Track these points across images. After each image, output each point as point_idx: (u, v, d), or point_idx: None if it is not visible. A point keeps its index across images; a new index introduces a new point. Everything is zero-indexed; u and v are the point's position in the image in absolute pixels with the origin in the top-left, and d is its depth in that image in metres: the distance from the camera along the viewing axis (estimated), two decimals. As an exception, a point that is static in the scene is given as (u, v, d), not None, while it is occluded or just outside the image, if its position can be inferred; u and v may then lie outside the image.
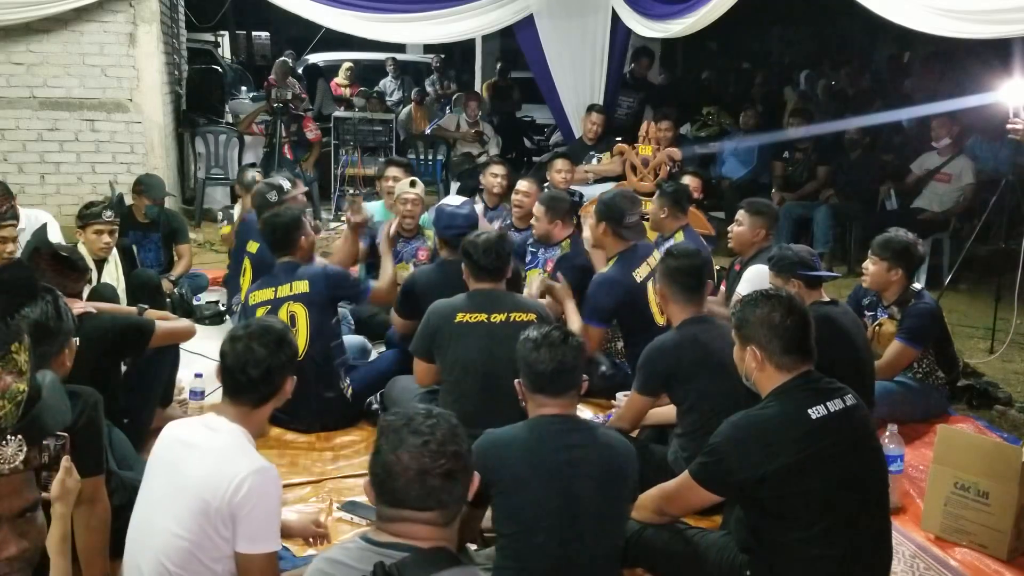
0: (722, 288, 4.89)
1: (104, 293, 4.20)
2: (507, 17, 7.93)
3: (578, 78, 8.07)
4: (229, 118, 9.67)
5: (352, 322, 4.92)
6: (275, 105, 8.38)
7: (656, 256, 4.22)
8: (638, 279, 4.13)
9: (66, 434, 1.73)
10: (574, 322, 3.96)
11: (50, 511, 2.04)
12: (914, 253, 4.10)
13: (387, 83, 12.70)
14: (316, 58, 13.24)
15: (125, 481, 2.70)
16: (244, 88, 13.16)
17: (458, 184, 8.50)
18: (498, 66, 12.05)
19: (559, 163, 6.23)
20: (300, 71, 12.00)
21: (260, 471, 2.18)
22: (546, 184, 6.05)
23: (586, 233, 4.64)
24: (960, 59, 9.25)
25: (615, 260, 4.20)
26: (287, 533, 2.67)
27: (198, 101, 9.18)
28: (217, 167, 8.47)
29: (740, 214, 4.68)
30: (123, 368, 3.46)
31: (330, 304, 4.02)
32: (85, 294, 3.67)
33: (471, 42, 12.55)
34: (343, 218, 5.82)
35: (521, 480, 2.35)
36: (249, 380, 2.33)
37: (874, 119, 8.45)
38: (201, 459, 2.22)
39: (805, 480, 2.34)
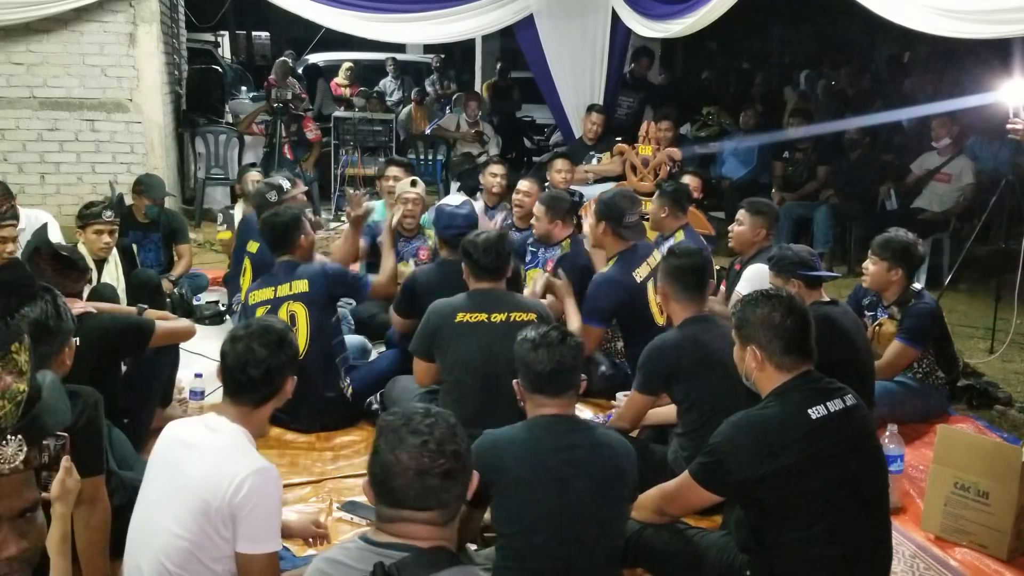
0: (722, 288, 4.89)
1: (104, 293, 4.20)
2: (507, 17, 7.93)
3: (578, 78, 8.07)
4: (229, 118, 9.67)
5: (352, 322, 4.92)
6: (275, 105, 8.38)
7: (656, 256, 4.22)
8: (638, 279, 4.13)
9: (66, 434, 1.73)
10: (573, 320, 3.96)
11: (50, 511, 2.03)
12: (914, 253, 4.10)
13: (387, 83, 12.70)
14: (316, 58, 13.24)
15: (125, 481, 2.70)
16: (244, 88, 13.17)
17: (458, 184, 8.50)
18: (498, 66, 12.05)
19: (559, 163, 6.24)
20: (300, 71, 11.99)
21: (260, 471, 2.18)
22: (546, 184, 6.05)
23: (586, 229, 4.64)
24: (960, 59, 9.25)
25: (615, 260, 4.20)
26: (287, 533, 2.66)
27: (198, 101, 9.18)
28: (217, 167, 8.47)
29: (741, 214, 4.69)
30: (123, 368, 3.46)
31: (330, 303, 4.03)
32: (85, 294, 3.67)
33: (471, 42, 12.55)
34: (343, 218, 5.82)
35: (520, 480, 2.34)
36: (250, 380, 2.33)
37: (874, 119, 8.45)
38: (201, 459, 2.22)
39: (805, 480, 2.34)
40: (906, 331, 4.05)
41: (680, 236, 4.80)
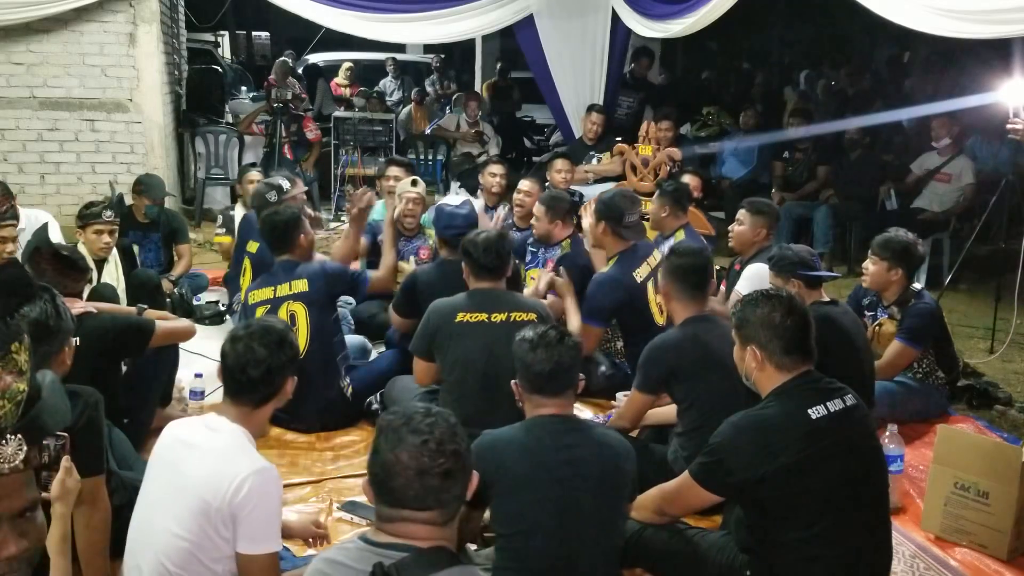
0: (722, 288, 4.89)
1: (104, 293, 4.20)
2: (507, 17, 7.93)
3: (578, 78, 8.07)
4: (229, 118, 9.67)
5: (352, 322, 4.92)
6: (275, 105, 8.38)
7: (656, 256, 4.22)
8: (638, 279, 4.13)
9: (66, 434, 1.73)
10: (573, 319, 3.96)
11: (50, 511, 2.03)
12: (914, 253, 4.10)
13: (387, 83, 12.70)
14: (316, 58, 13.24)
15: (125, 481, 2.70)
16: (244, 88, 13.17)
17: (458, 184, 8.50)
18: (498, 66, 12.05)
19: (559, 163, 6.24)
20: (300, 71, 12.00)
21: (261, 471, 2.18)
22: (546, 184, 6.05)
23: (585, 226, 4.64)
24: (960, 59, 9.25)
25: (615, 260, 4.20)
26: (287, 533, 2.66)
27: (198, 101, 9.18)
28: (217, 167, 8.46)
29: (741, 213, 4.69)
30: (123, 368, 3.46)
31: (330, 302, 4.03)
32: (85, 294, 3.67)
33: (471, 42, 12.55)
34: (343, 218, 5.82)
35: (520, 480, 2.34)
36: (250, 380, 2.33)
37: (874, 119, 8.45)
38: (201, 459, 2.22)
39: (805, 480, 2.34)
40: (906, 331, 4.05)
41: (680, 236, 4.80)
